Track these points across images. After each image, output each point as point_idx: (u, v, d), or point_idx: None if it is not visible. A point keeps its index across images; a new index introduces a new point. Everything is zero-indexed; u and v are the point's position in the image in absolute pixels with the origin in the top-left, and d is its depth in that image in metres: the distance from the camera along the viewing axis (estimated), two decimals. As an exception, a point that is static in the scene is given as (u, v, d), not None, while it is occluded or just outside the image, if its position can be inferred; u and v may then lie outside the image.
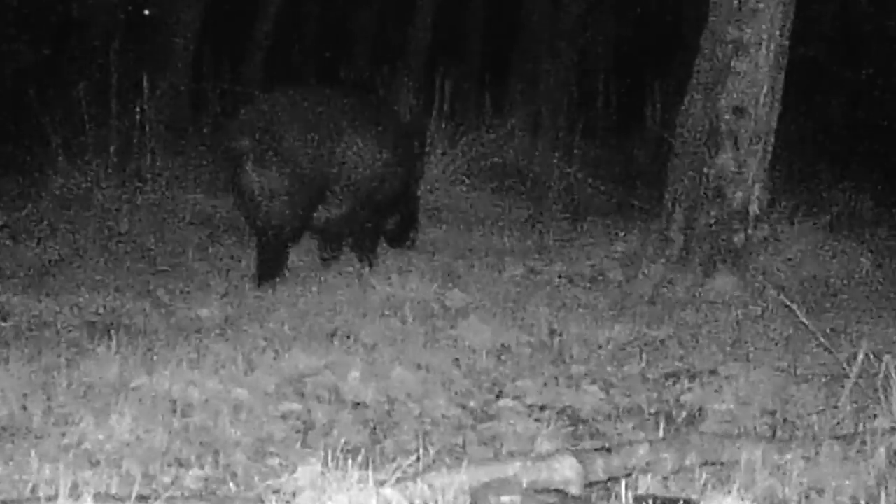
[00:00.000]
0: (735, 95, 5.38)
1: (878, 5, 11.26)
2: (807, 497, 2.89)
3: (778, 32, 5.37)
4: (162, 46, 10.60)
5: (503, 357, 4.18)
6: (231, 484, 2.92)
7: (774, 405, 3.64)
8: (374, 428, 3.41)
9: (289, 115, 5.20)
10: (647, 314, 4.84)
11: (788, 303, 4.55)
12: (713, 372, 3.96)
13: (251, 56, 12.13)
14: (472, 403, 3.67)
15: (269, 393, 3.63)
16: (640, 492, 2.87)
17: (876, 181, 8.81)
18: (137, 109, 7.83)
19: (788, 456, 3.01)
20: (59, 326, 4.42)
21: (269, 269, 5.20)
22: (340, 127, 5.28)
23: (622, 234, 6.15)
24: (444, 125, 8.08)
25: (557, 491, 2.79)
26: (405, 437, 3.35)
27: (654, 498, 2.83)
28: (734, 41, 5.37)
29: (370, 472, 2.73)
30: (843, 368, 3.76)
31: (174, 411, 3.37)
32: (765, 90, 5.38)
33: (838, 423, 3.39)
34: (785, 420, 3.51)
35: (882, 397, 3.43)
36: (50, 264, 5.70)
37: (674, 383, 3.88)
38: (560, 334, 4.44)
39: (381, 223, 5.75)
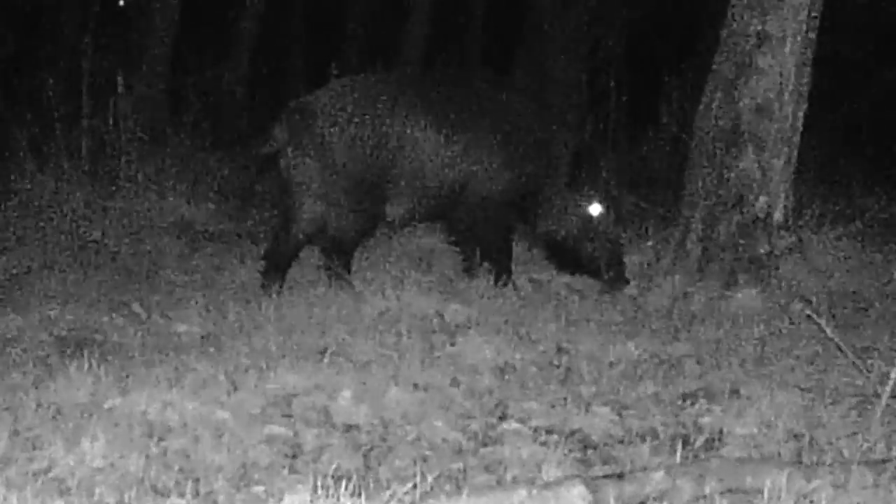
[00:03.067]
0: (758, 93, 5.39)
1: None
2: (835, 527, 2.91)
3: (804, 25, 5.38)
4: (138, 41, 10.63)
5: (507, 376, 4.18)
6: (212, 513, 2.92)
7: (800, 428, 3.64)
8: (368, 453, 3.42)
9: (329, 106, 5.33)
10: (663, 330, 4.84)
11: (816, 317, 4.56)
12: (734, 392, 3.96)
13: (235, 53, 12.17)
14: (473, 426, 3.67)
15: (253, 415, 3.63)
16: (656, 521, 2.88)
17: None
18: (111, 109, 7.87)
19: (816, 483, 3.01)
20: (26, 343, 4.43)
21: (279, 266, 5.45)
22: (395, 117, 5.33)
23: (636, 243, 6.15)
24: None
25: (566, 520, 2.80)
26: (401, 462, 3.35)
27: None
28: (757, 34, 5.38)
29: (363, 501, 2.74)
30: (875, 388, 3.77)
31: (151, 435, 3.37)
32: (790, 87, 5.39)
33: (869, 448, 3.40)
34: (812, 444, 3.51)
35: (916, 420, 3.45)
36: (16, 276, 5.71)
37: (691, 404, 3.88)
38: (568, 352, 4.45)
39: (495, 232, 5.62)
